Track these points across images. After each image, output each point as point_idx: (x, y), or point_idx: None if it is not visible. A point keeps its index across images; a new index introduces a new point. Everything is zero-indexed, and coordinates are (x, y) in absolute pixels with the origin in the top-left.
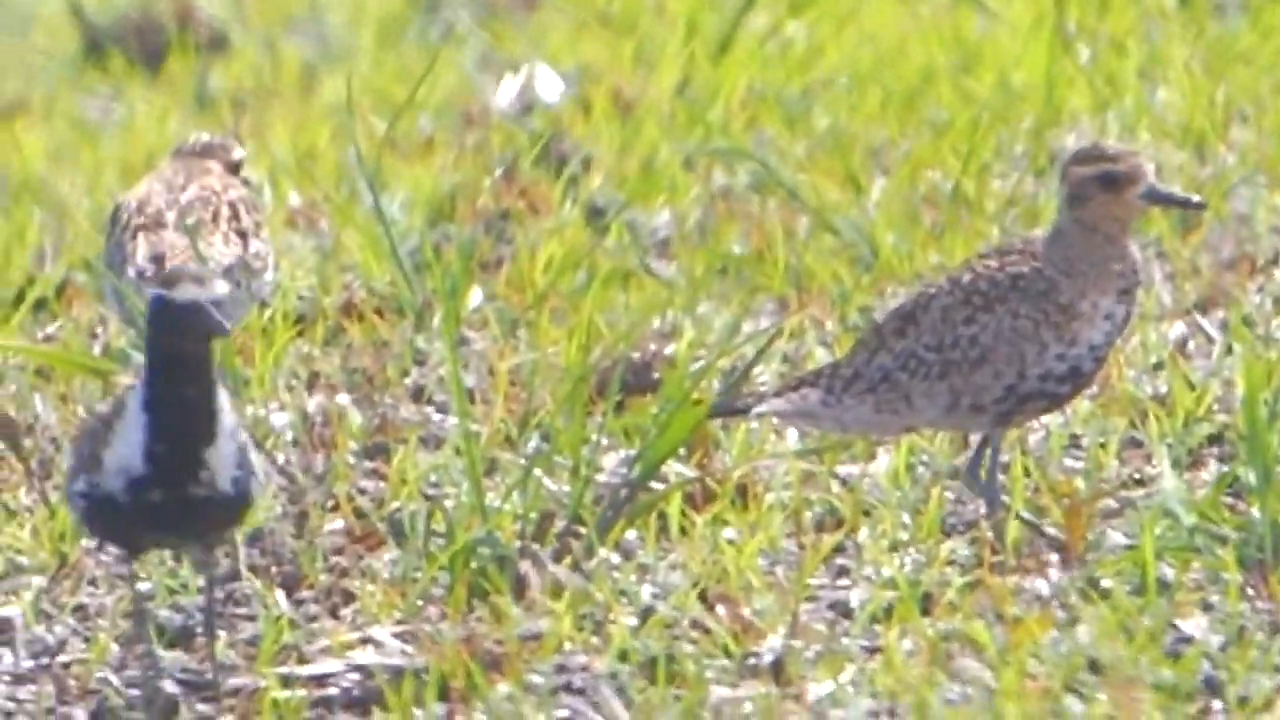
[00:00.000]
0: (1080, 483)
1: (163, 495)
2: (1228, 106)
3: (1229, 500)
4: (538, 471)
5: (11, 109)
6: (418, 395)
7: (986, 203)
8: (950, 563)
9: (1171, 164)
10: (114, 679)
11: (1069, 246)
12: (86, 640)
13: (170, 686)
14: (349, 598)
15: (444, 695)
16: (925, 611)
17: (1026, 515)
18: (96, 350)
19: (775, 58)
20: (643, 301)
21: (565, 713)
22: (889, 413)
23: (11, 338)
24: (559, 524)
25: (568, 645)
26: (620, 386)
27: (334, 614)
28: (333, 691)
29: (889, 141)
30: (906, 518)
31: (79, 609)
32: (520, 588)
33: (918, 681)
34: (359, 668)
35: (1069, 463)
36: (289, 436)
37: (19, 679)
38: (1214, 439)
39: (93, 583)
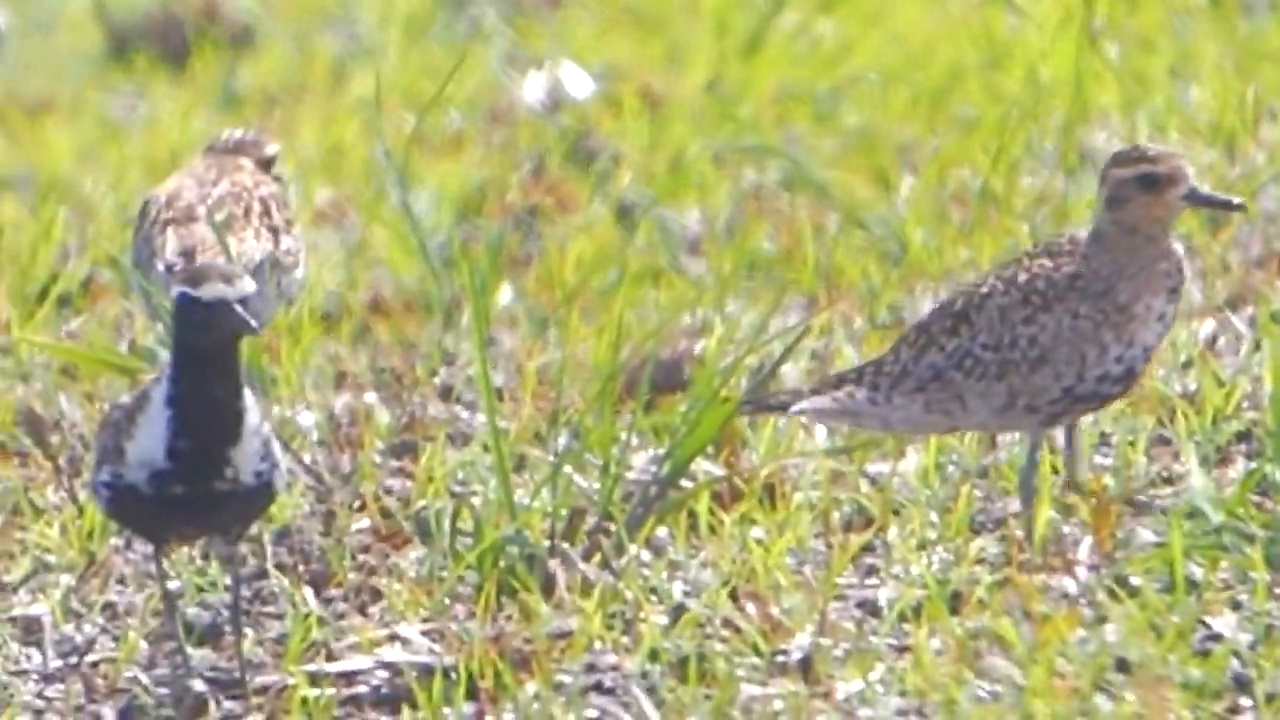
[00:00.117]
0: (1109, 480)
1: (185, 489)
2: (1257, 105)
3: (1257, 498)
4: (568, 469)
5: (37, 108)
6: (446, 394)
7: (1015, 200)
8: (979, 561)
9: (1201, 162)
10: (143, 677)
11: (1111, 249)
12: (115, 639)
13: (199, 685)
14: (377, 595)
15: (473, 694)
16: (954, 610)
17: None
18: (122, 347)
19: (805, 55)
20: (672, 299)
21: (595, 712)
22: (940, 413)
23: (36, 334)
24: (589, 521)
25: (597, 644)
26: (649, 384)
27: (362, 612)
28: (361, 689)
29: (918, 139)
30: (935, 516)
31: (107, 607)
32: (549, 586)
33: (946, 680)
34: (387, 665)
35: (1098, 460)
36: (315, 436)
37: (48, 678)
38: (1242, 436)
39: (121, 581)
